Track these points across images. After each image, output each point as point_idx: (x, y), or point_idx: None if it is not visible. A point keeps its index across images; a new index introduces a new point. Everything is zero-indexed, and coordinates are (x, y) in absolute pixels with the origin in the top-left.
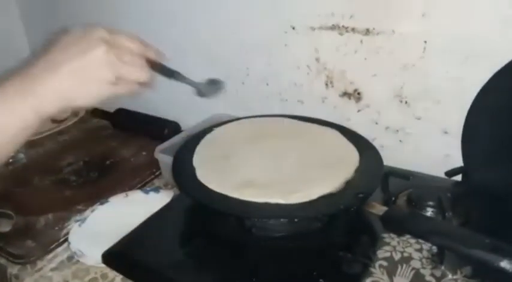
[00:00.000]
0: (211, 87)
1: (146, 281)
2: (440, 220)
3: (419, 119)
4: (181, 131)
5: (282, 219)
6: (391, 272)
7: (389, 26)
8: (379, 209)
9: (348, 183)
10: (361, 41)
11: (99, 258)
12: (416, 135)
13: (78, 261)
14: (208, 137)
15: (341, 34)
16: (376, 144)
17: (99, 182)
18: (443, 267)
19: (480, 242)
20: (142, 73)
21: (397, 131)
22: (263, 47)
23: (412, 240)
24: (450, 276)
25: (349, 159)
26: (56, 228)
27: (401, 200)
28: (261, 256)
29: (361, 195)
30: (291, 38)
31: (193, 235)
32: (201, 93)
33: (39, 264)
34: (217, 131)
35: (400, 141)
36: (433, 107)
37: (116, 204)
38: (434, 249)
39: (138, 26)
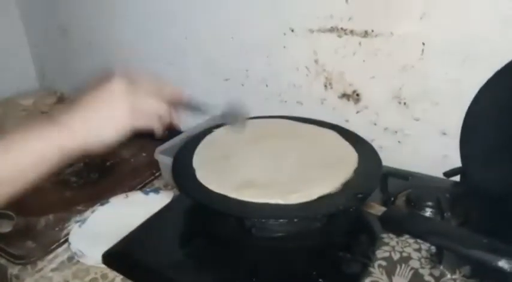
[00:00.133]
0: (234, 116)
1: (146, 281)
2: (438, 220)
3: (417, 120)
4: (181, 132)
5: (281, 220)
6: (390, 271)
7: (388, 28)
8: (378, 209)
9: (347, 184)
10: (360, 43)
11: (99, 258)
12: (415, 136)
13: (78, 261)
14: (208, 138)
15: (340, 36)
16: (375, 145)
17: (99, 182)
18: (442, 267)
19: (478, 242)
20: (160, 105)
21: (396, 132)
22: (263, 48)
23: (411, 240)
24: (449, 275)
25: (348, 160)
26: (57, 228)
27: (400, 201)
28: (261, 256)
29: (360, 196)
30: (290, 40)
31: (193, 235)
32: (227, 121)
33: (40, 264)
34: (217, 132)
35: (399, 142)
36: (432, 108)
37: (116, 205)
38: (433, 249)
39: (137, 26)
